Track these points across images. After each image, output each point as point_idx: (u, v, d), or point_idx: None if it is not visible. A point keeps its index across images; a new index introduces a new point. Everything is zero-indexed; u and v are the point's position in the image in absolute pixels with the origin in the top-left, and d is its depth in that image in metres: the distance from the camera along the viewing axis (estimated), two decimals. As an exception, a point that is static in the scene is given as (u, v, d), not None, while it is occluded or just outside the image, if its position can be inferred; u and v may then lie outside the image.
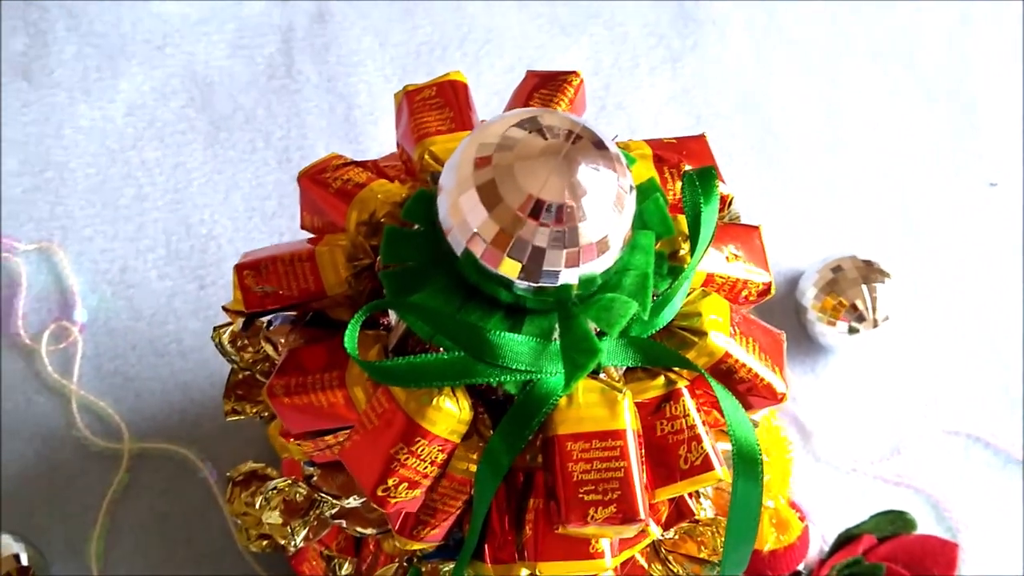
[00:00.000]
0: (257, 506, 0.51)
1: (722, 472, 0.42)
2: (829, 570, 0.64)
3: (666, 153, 0.46)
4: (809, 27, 0.90)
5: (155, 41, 0.86)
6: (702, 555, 0.49)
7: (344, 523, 0.50)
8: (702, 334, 0.42)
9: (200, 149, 0.83)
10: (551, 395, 0.39)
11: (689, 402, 0.42)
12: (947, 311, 0.80)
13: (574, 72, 0.50)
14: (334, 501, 0.48)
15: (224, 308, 0.47)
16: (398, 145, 0.50)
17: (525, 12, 0.91)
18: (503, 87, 0.87)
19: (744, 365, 0.42)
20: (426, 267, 0.41)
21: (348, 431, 0.45)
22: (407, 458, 0.40)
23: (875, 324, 0.71)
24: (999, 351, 0.78)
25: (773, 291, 0.46)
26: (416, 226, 0.42)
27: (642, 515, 0.39)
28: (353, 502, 0.48)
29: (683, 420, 0.42)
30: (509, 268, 0.37)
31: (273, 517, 0.50)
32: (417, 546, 0.44)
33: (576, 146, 0.37)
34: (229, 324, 0.52)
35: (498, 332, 0.38)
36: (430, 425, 0.39)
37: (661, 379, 0.42)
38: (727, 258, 0.45)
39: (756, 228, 0.47)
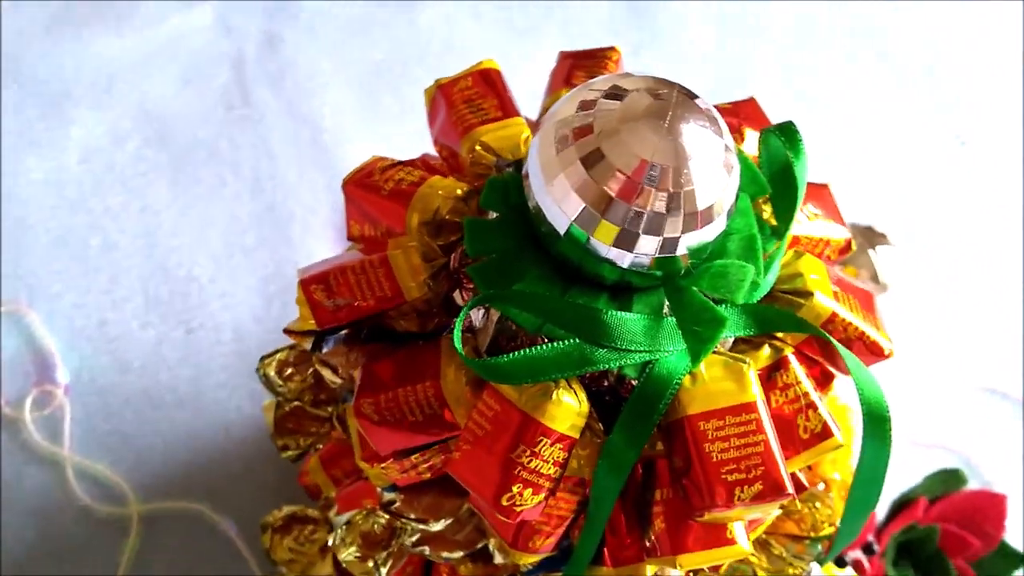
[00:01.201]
0: (332, 540, 0.47)
1: (841, 437, 0.40)
2: (888, 539, 0.63)
3: (725, 117, 0.44)
4: (771, 14, 0.90)
5: (101, 83, 0.82)
6: (803, 532, 0.47)
7: (427, 550, 0.47)
8: (807, 295, 0.40)
9: (165, 188, 0.78)
10: (673, 376, 0.37)
11: (798, 369, 0.40)
12: (945, 271, 0.80)
13: (612, 48, 0.48)
14: (419, 527, 0.45)
15: (287, 331, 0.44)
16: (436, 142, 0.47)
17: (480, 21, 0.89)
18: (472, 95, 0.85)
19: (851, 324, 0.41)
20: (517, 256, 0.38)
21: (437, 447, 0.42)
22: (530, 460, 0.37)
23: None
24: (1000, 306, 0.79)
25: (854, 247, 0.45)
26: (492, 215, 0.40)
27: (789, 488, 0.37)
28: (439, 526, 0.45)
29: (796, 388, 0.40)
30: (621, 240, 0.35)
31: (350, 553, 0.47)
32: (531, 559, 0.41)
33: (679, 105, 0.35)
34: (275, 354, 0.48)
35: (611, 312, 0.36)
36: (550, 421, 0.37)
37: (766, 348, 0.40)
38: (808, 217, 0.43)
39: (826, 185, 0.46)
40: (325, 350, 0.47)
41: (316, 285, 0.41)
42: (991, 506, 0.66)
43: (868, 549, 0.60)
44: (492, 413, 0.38)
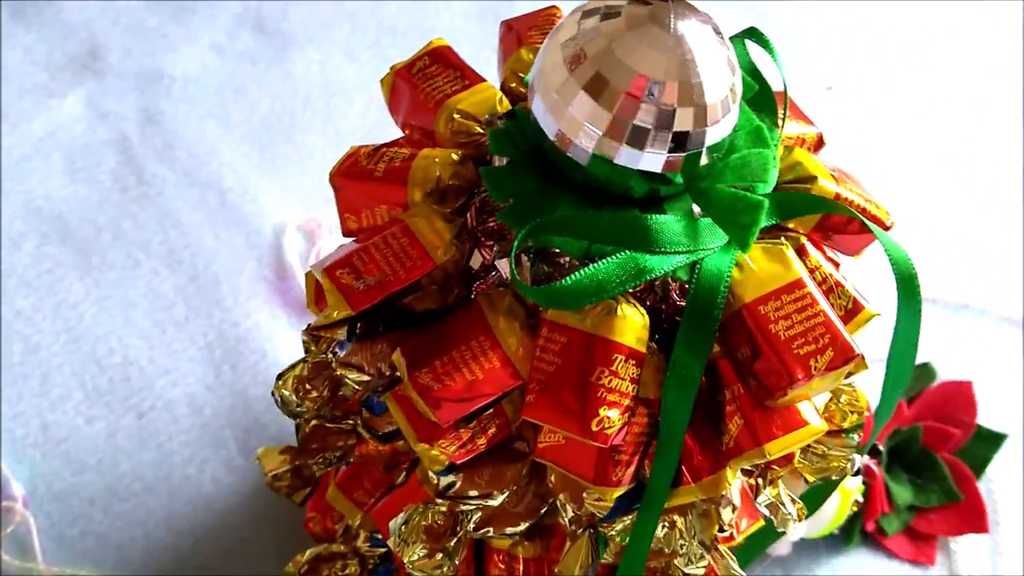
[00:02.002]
0: (392, 545, 0.45)
1: (873, 308, 0.42)
2: (882, 443, 0.65)
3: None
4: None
5: (-20, 190, 0.77)
6: (835, 426, 0.49)
7: (491, 530, 0.46)
8: (811, 179, 0.42)
9: (76, 281, 0.75)
10: (722, 272, 0.38)
11: (816, 253, 0.42)
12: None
13: (553, 6, 0.49)
14: (482, 503, 0.44)
15: (315, 329, 0.42)
16: (405, 126, 0.47)
17: (356, 62, 0.89)
18: (368, 128, 0.85)
19: (854, 202, 0.43)
20: (541, 193, 0.38)
21: (492, 411, 0.41)
22: (609, 380, 0.37)
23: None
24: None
25: (826, 141, 0.47)
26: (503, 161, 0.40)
27: (856, 349, 0.38)
28: (502, 497, 0.44)
29: (819, 272, 0.42)
30: (650, 148, 0.36)
31: (417, 553, 0.45)
32: (614, 493, 0.40)
33: (679, 8, 0.36)
34: (291, 371, 0.47)
35: (651, 216, 0.37)
36: (620, 336, 0.37)
37: (782, 238, 0.42)
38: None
39: (782, 92, 0.48)
40: (344, 352, 0.46)
41: (342, 270, 0.40)
42: (960, 394, 0.70)
43: (874, 452, 0.62)
44: (558, 346, 0.38)
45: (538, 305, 0.40)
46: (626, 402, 0.37)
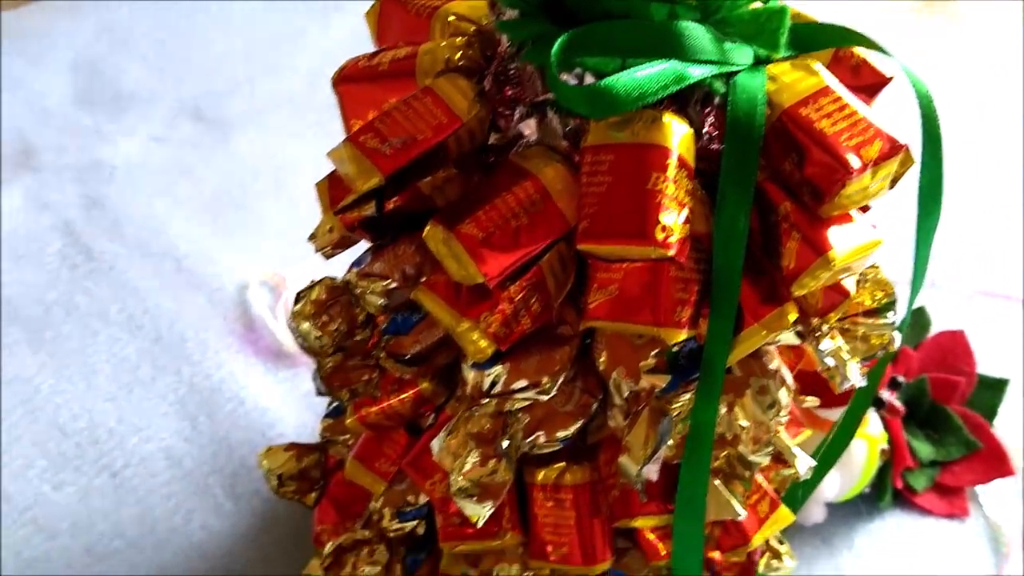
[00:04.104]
0: (439, 459, 0.41)
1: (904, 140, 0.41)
2: (894, 394, 0.64)
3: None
4: None
5: (-84, 283, 0.73)
6: (871, 305, 0.47)
7: (542, 436, 0.42)
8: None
9: (29, 356, 0.70)
10: (757, 87, 0.37)
11: (841, 89, 0.41)
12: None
13: None
14: (530, 395, 0.40)
15: (342, 211, 0.39)
16: (398, 46, 0.46)
17: (301, 139, 0.89)
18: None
19: (855, 53, 0.43)
20: (560, 32, 0.38)
21: (534, 284, 0.39)
22: (665, 184, 0.35)
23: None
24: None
25: None
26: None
27: (901, 140, 0.37)
28: (551, 385, 0.40)
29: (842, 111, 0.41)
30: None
31: (470, 461, 0.41)
32: (678, 336, 0.38)
33: None
34: (308, 294, 0.44)
35: (682, 23, 0.36)
36: (670, 141, 0.36)
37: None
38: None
39: None
40: (363, 267, 0.43)
41: (365, 135, 0.38)
42: (956, 344, 0.69)
43: (894, 384, 0.61)
44: (606, 165, 0.36)
45: (572, 147, 0.38)
46: (684, 212, 0.36)
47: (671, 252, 0.35)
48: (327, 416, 0.55)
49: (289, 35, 0.99)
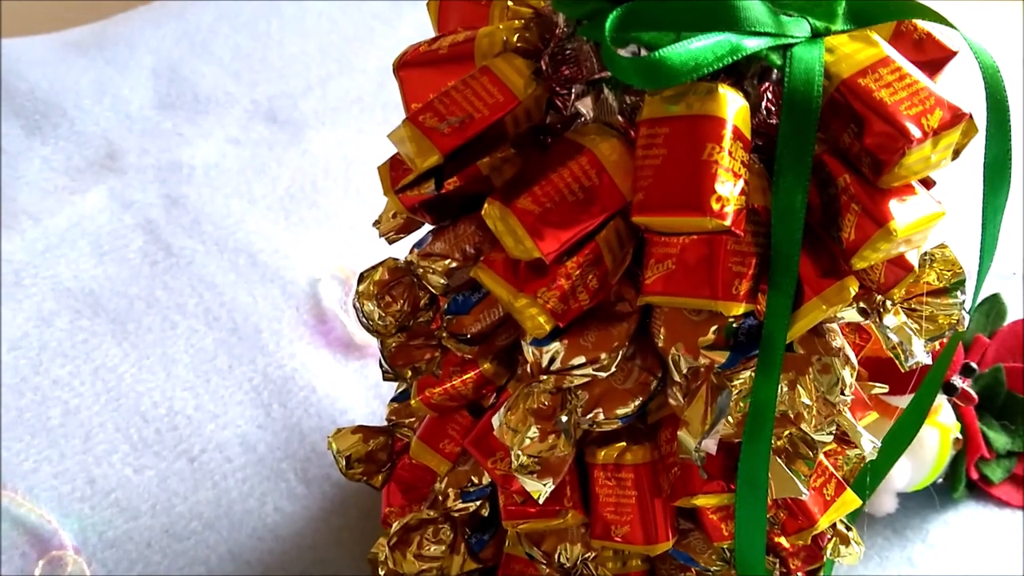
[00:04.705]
0: (501, 434, 0.42)
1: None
2: (966, 381, 0.62)
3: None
4: None
5: (8, 279, 0.76)
6: (939, 284, 0.47)
7: (601, 413, 0.43)
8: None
9: (114, 346, 0.72)
10: (814, 58, 0.37)
11: (901, 60, 0.41)
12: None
13: None
14: (589, 372, 0.41)
15: (401, 190, 0.40)
16: (457, 31, 0.47)
17: (370, 136, 0.91)
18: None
19: (918, 26, 0.43)
20: (612, 6, 0.38)
21: (592, 259, 0.40)
22: (720, 155, 0.35)
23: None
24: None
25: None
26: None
27: (965, 110, 0.37)
28: (610, 360, 0.41)
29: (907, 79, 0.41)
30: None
31: (528, 436, 0.41)
32: (736, 310, 0.38)
33: None
34: (371, 275, 0.45)
35: None
36: (724, 111, 0.36)
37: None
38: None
39: None
40: (424, 248, 0.44)
41: (424, 115, 0.39)
42: (1033, 332, 0.67)
43: (967, 370, 0.60)
44: (661, 138, 0.36)
45: (629, 123, 0.39)
46: (740, 183, 0.36)
47: (727, 222, 0.35)
48: (393, 400, 0.57)
49: (358, 36, 1.01)
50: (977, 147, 0.41)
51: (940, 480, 0.63)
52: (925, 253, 0.48)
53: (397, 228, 0.48)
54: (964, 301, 0.47)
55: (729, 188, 0.35)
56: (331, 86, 0.96)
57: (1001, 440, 0.65)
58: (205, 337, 0.73)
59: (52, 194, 0.84)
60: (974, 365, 0.59)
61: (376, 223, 0.49)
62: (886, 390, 0.53)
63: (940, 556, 0.62)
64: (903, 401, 0.56)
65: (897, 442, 0.54)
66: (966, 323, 0.47)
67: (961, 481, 0.63)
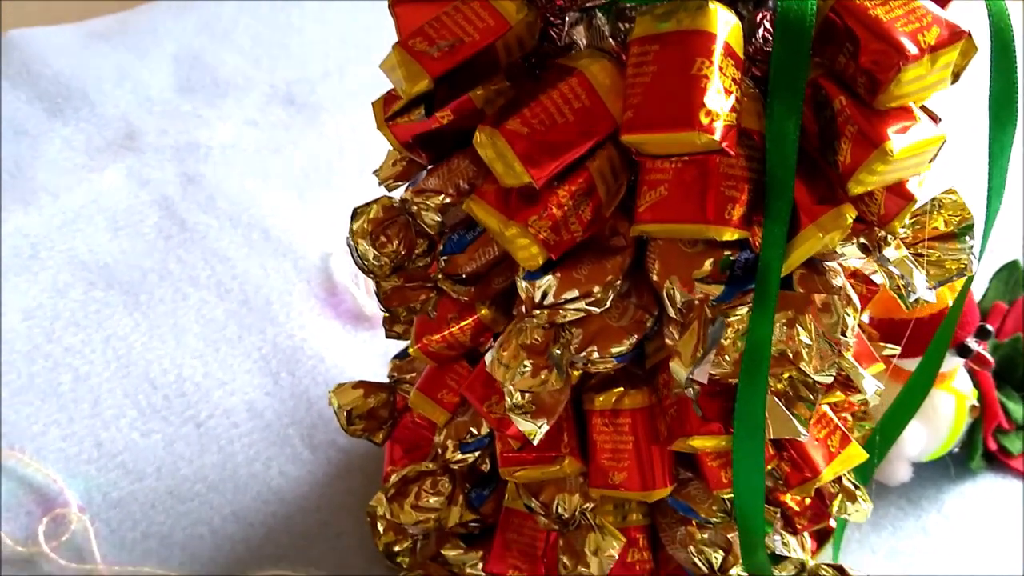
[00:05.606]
0: (492, 369, 0.41)
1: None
2: (983, 344, 0.61)
3: None
4: None
5: (24, 252, 0.77)
6: (947, 229, 0.46)
7: (595, 351, 0.42)
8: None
9: (125, 316, 0.73)
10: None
11: None
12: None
13: None
14: (582, 307, 0.40)
15: (391, 118, 0.40)
16: None
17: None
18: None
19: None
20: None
21: (584, 191, 0.39)
22: (710, 70, 0.35)
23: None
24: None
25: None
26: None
27: (961, 26, 0.36)
28: (603, 294, 0.40)
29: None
30: None
31: (520, 371, 0.41)
32: (731, 234, 0.37)
33: None
34: (366, 212, 0.45)
35: None
36: (714, 26, 0.35)
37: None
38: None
39: None
40: (418, 184, 0.44)
41: (414, 39, 0.39)
42: (1052, 302, 0.66)
43: (982, 332, 0.58)
44: (652, 55, 0.36)
45: (621, 47, 0.38)
46: (730, 99, 0.35)
47: (716, 136, 0.35)
48: (396, 357, 0.56)
49: (378, 24, 1.00)
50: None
51: (956, 449, 0.62)
52: (933, 199, 0.47)
53: (396, 175, 0.48)
54: (972, 246, 0.46)
55: (719, 103, 0.35)
56: (349, 72, 0.96)
57: (1021, 411, 0.63)
58: (216, 308, 0.73)
59: (71, 172, 0.85)
60: (990, 327, 0.58)
61: (376, 171, 0.49)
62: (898, 352, 0.52)
63: (955, 527, 0.60)
64: (915, 365, 0.55)
65: (908, 403, 0.53)
66: (975, 268, 0.46)
67: (978, 450, 0.61)
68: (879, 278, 0.47)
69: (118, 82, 0.94)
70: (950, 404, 0.59)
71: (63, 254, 0.77)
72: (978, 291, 0.66)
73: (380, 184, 0.48)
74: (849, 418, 0.53)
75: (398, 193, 0.49)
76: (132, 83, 0.95)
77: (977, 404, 0.60)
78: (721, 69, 0.35)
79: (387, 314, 0.46)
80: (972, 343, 0.57)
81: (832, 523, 0.57)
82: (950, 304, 0.55)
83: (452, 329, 0.48)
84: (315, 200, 0.83)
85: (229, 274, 0.76)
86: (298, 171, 0.86)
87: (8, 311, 0.72)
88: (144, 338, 0.71)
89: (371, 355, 0.70)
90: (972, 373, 0.61)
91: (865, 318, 0.58)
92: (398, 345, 0.59)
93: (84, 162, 0.86)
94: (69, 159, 0.86)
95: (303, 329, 0.71)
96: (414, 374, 0.54)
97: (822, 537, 0.58)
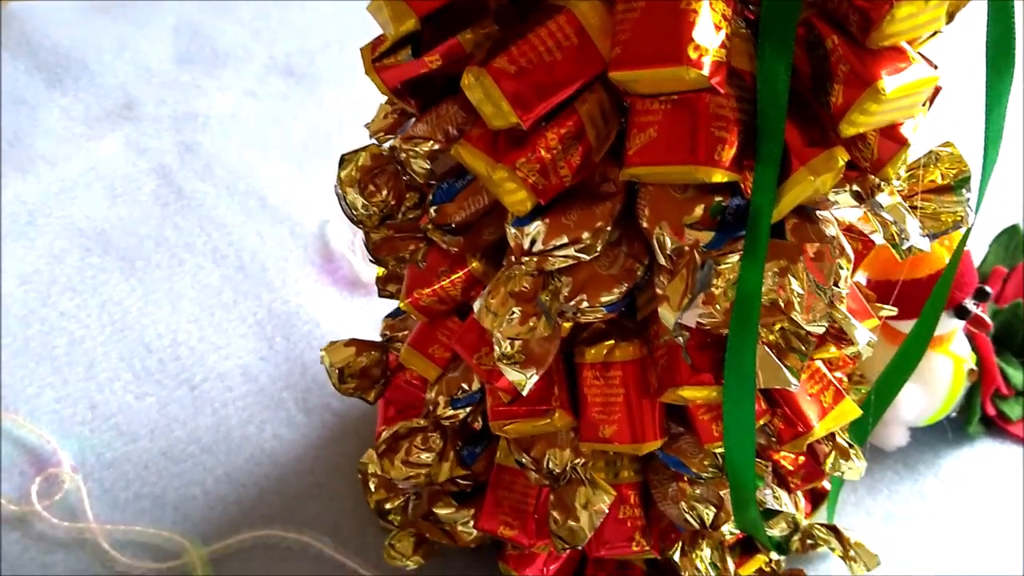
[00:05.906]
0: (482, 320, 0.41)
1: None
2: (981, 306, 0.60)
3: None
4: None
5: (22, 219, 0.77)
6: (943, 182, 0.45)
7: (585, 300, 0.42)
8: None
9: (121, 282, 0.73)
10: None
11: None
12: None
13: None
14: (572, 253, 0.40)
15: (379, 60, 0.40)
16: None
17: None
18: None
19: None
20: None
21: (573, 134, 0.39)
22: (698, 4, 0.34)
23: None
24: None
25: None
26: None
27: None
28: (593, 240, 0.40)
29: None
30: None
31: (508, 319, 0.40)
32: (721, 176, 0.37)
33: None
34: (354, 159, 0.44)
35: None
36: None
37: None
38: None
39: None
40: (410, 129, 0.43)
41: (400, -22, 0.38)
42: (1052, 269, 0.65)
43: (981, 294, 0.57)
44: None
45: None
46: (720, 35, 0.35)
47: (704, 71, 0.34)
48: (388, 316, 0.56)
49: (379, -4, 1.01)
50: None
51: (954, 414, 0.61)
52: (930, 151, 0.46)
53: (387, 128, 0.48)
54: (969, 199, 0.45)
55: (708, 37, 0.34)
56: (348, 44, 0.96)
57: (1020, 377, 0.63)
58: (212, 274, 0.73)
59: (69, 141, 0.85)
60: (988, 289, 0.57)
61: (367, 124, 0.49)
62: (895, 312, 0.51)
63: (952, 491, 0.60)
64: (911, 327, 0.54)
65: (903, 364, 0.53)
66: (971, 220, 0.45)
67: (975, 415, 0.61)
68: (878, 238, 0.47)
69: (117, 53, 0.94)
70: (947, 367, 0.59)
71: (60, 221, 0.77)
72: (978, 255, 0.65)
73: (371, 137, 0.48)
74: (845, 380, 0.53)
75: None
76: (131, 54, 0.94)
77: (975, 368, 0.60)
78: (711, 5, 0.35)
79: (377, 264, 0.46)
80: (970, 304, 0.56)
81: (826, 485, 0.57)
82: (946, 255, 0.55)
83: (443, 283, 0.48)
84: (313, 171, 0.82)
85: (225, 240, 0.75)
86: (297, 142, 0.85)
87: (6, 276, 0.72)
88: (140, 303, 0.71)
89: (367, 321, 0.70)
90: (971, 337, 0.60)
91: (863, 280, 0.58)
92: (393, 311, 0.59)
93: (82, 131, 0.86)
94: (68, 128, 0.86)
95: (299, 295, 0.71)
96: (407, 332, 0.54)
97: (816, 500, 0.58)
